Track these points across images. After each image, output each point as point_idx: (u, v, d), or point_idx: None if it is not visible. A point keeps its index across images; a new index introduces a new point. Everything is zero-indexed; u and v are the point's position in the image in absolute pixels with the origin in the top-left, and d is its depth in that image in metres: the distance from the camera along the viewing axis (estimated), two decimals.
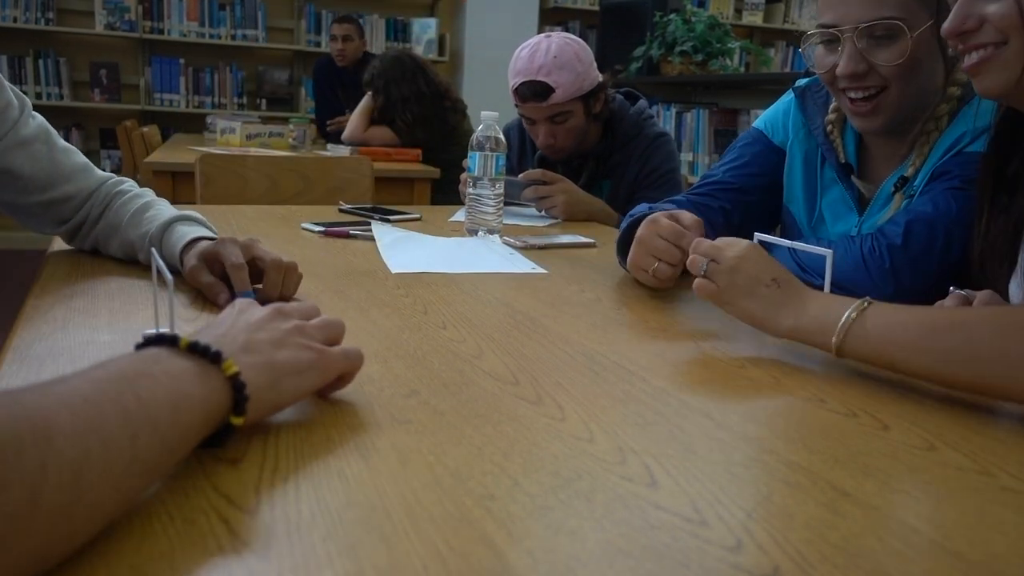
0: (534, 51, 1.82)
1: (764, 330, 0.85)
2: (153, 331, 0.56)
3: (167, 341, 0.53)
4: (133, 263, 1.10)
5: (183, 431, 0.50)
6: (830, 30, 1.10)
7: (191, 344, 0.53)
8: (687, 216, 1.09)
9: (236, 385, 0.54)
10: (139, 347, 0.54)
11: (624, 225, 1.22)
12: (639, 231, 1.09)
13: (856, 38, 1.08)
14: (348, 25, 4.41)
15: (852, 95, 1.13)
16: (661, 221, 1.07)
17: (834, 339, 0.77)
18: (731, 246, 0.90)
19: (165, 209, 1.13)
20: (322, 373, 0.63)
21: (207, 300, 0.95)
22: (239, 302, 0.66)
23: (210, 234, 1.06)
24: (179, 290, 0.99)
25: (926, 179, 1.13)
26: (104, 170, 1.22)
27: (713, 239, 1.33)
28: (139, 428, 0.46)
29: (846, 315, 0.77)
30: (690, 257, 0.92)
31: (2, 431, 0.38)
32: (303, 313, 0.67)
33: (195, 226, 1.07)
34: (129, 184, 1.20)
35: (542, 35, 1.88)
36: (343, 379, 0.66)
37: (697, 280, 0.91)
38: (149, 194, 1.18)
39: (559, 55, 1.81)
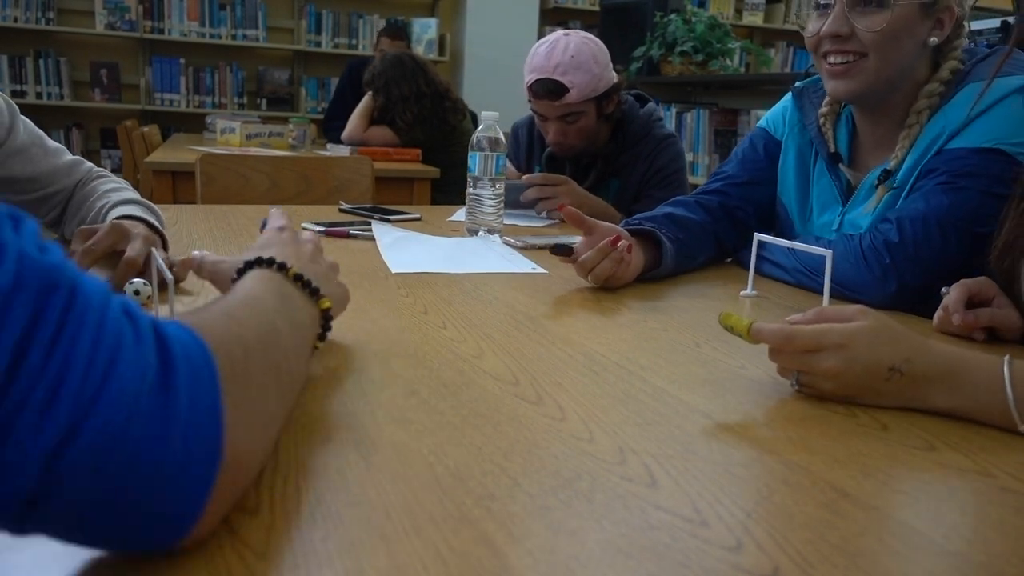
0: (552, 48, 1.82)
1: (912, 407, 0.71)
2: (251, 257, 0.64)
3: (277, 266, 0.62)
4: None
5: (309, 346, 0.63)
6: None
7: (297, 275, 0.63)
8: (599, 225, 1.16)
9: (326, 317, 0.66)
10: (248, 265, 0.62)
11: None
12: None
13: (845, 2, 1.12)
14: (400, 42, 4.30)
15: (832, 59, 1.16)
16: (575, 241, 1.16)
17: (1022, 428, 0.66)
18: (819, 355, 0.70)
19: (128, 193, 1.17)
20: (344, 305, 0.77)
21: (202, 294, 0.95)
22: (276, 225, 0.73)
23: (148, 219, 1.08)
24: (179, 291, 0.99)
25: (911, 177, 1.15)
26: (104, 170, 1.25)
27: (728, 237, 1.35)
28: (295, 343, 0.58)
29: (1009, 394, 0.66)
30: (777, 367, 0.76)
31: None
32: (319, 248, 0.76)
33: (144, 211, 1.10)
34: (107, 173, 1.25)
35: (560, 32, 1.87)
36: None
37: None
38: (123, 182, 1.22)
39: (576, 55, 1.80)
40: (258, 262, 0.63)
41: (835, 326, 0.71)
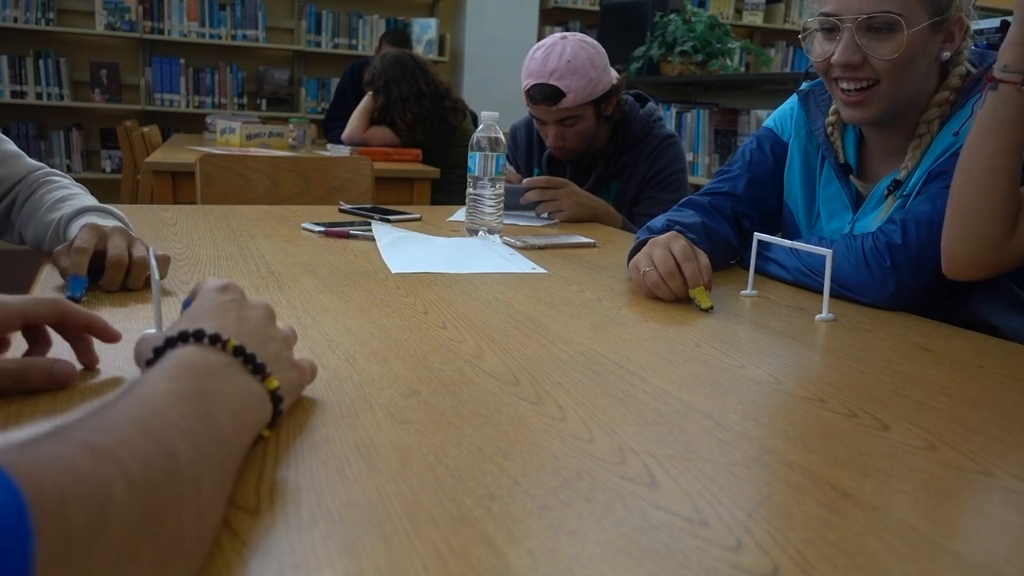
0: (548, 53, 1.82)
1: None
2: (175, 331, 0.52)
3: (209, 339, 0.51)
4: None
5: (243, 444, 0.50)
6: (831, 19, 1.11)
7: (237, 348, 0.52)
8: (704, 256, 1.09)
9: (276, 399, 0.55)
10: (170, 343, 0.51)
11: (641, 236, 1.23)
12: (659, 236, 1.12)
13: (855, 28, 1.09)
14: (405, 49, 4.30)
15: (844, 86, 1.14)
16: (681, 239, 1.10)
17: None
18: None
19: (84, 199, 1.12)
20: (299, 392, 0.63)
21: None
22: (218, 285, 0.60)
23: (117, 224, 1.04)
24: (182, 292, 0.99)
25: (920, 181, 1.14)
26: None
27: (735, 240, 1.34)
28: (208, 454, 0.44)
29: None
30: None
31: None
32: (271, 315, 0.62)
33: (106, 218, 1.07)
34: (59, 176, 1.19)
35: (558, 35, 1.87)
36: None
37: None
38: (76, 187, 1.17)
39: (573, 59, 1.80)
40: (182, 337, 0.51)
41: None
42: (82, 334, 0.69)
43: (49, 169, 1.20)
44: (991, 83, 0.98)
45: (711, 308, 1.02)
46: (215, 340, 0.51)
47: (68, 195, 1.12)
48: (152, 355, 0.51)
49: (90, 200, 1.12)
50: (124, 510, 0.34)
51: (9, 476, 0.29)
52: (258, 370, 0.53)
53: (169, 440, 0.41)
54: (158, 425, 0.41)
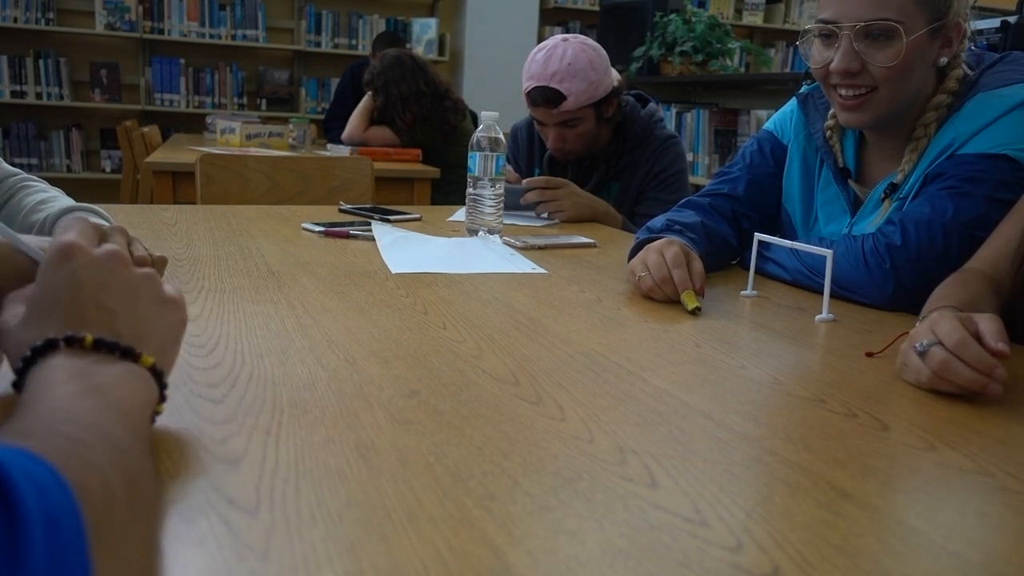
0: (549, 56, 1.82)
1: None
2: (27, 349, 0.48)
3: (64, 341, 0.48)
4: None
5: (145, 420, 0.50)
6: (829, 26, 1.11)
7: (97, 342, 0.49)
8: (698, 262, 1.10)
9: (157, 374, 0.52)
10: (38, 353, 0.48)
11: (641, 236, 1.23)
12: (655, 242, 1.14)
13: (853, 36, 1.09)
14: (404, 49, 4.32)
15: (842, 92, 1.14)
16: (675, 245, 1.10)
17: None
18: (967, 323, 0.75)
19: (65, 200, 1.14)
20: (181, 331, 0.58)
21: (202, 294, 0.95)
22: (57, 254, 0.52)
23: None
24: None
25: (916, 184, 1.14)
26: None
27: (735, 240, 1.34)
28: (129, 438, 0.44)
29: None
30: (912, 330, 0.80)
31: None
32: (122, 262, 0.55)
33: (94, 217, 1.08)
34: (37, 180, 1.21)
35: (559, 37, 1.87)
36: None
37: (911, 359, 0.77)
38: (54, 190, 1.19)
39: (573, 62, 1.80)
40: (39, 351, 0.47)
41: None
42: None
43: (26, 175, 1.21)
44: None
45: (697, 309, 1.02)
46: (71, 342, 0.48)
47: (48, 197, 1.15)
48: (20, 365, 0.48)
49: (70, 201, 1.14)
50: (114, 483, 0.38)
51: (47, 463, 0.32)
52: (126, 354, 0.50)
53: (102, 427, 0.43)
54: (86, 420, 0.43)
